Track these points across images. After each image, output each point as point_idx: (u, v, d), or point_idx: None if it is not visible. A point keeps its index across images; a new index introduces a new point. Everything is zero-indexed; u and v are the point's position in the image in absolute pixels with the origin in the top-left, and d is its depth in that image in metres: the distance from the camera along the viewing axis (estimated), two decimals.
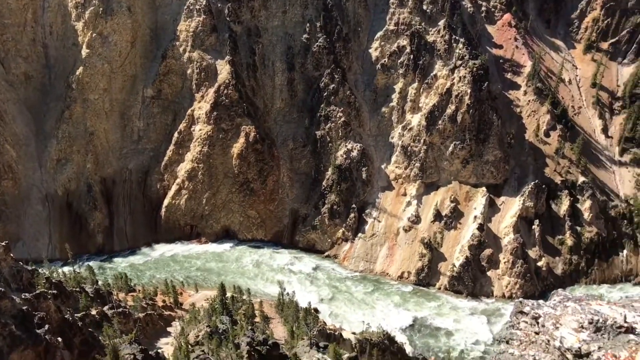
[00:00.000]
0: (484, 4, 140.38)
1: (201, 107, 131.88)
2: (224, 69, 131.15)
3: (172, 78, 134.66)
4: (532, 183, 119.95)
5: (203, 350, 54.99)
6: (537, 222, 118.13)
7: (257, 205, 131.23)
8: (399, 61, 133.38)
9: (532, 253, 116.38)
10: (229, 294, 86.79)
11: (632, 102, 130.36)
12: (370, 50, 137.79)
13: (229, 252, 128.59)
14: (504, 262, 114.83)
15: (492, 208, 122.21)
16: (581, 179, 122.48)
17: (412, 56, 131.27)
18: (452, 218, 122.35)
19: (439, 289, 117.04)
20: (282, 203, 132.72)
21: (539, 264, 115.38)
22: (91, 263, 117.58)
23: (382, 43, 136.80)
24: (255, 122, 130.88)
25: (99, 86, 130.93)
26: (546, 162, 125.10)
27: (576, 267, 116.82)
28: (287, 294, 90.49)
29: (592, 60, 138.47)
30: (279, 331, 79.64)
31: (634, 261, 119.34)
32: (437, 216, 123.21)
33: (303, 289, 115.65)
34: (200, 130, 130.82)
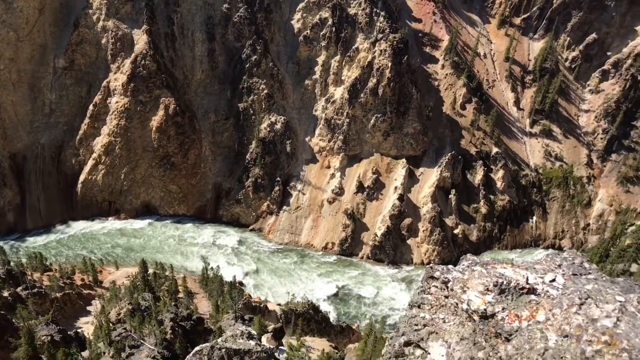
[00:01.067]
0: None
1: (117, 78, 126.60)
2: (140, 39, 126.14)
3: (85, 48, 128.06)
4: (449, 154, 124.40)
5: (125, 328, 53.88)
6: (453, 191, 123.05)
7: (178, 179, 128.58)
8: (322, 33, 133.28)
9: (449, 221, 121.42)
10: (150, 271, 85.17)
11: (542, 76, 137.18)
12: (292, 22, 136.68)
13: (150, 228, 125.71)
14: (423, 231, 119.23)
15: (411, 179, 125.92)
16: (495, 149, 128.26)
17: (334, 29, 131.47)
18: (374, 189, 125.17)
19: (362, 258, 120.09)
20: (204, 177, 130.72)
21: (456, 231, 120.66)
22: (1, 243, 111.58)
23: (304, 14, 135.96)
24: (175, 94, 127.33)
25: (5, 55, 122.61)
26: (462, 134, 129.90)
27: (490, 233, 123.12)
28: (212, 268, 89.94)
29: (505, 35, 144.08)
30: (203, 306, 79.24)
31: (542, 227, 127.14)
32: (360, 187, 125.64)
33: (228, 263, 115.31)
34: (117, 102, 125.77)
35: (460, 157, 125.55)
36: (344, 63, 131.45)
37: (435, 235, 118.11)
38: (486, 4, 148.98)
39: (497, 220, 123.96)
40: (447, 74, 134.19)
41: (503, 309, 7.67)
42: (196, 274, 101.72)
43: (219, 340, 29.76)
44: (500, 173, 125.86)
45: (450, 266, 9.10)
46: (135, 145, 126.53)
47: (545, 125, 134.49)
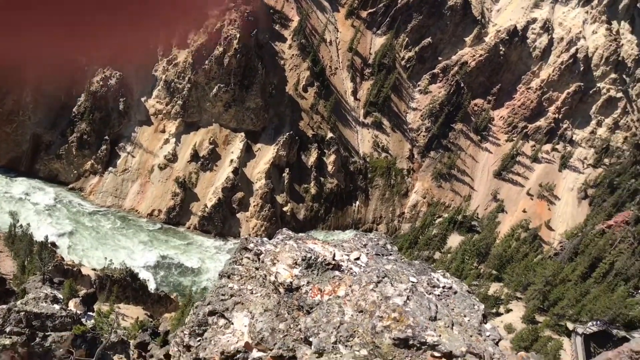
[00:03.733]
0: None
1: None
2: None
3: None
4: (287, 134, 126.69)
5: None
6: (287, 170, 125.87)
7: None
8: None
9: (280, 199, 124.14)
10: None
11: (379, 71, 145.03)
12: None
13: None
14: (254, 206, 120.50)
15: (248, 153, 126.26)
16: (329, 134, 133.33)
17: None
18: (210, 160, 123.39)
19: (189, 228, 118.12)
20: (22, 126, 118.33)
21: (285, 209, 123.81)
22: None
23: None
24: None
25: None
26: (301, 116, 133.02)
27: (316, 213, 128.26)
28: (21, 226, 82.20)
29: (351, 26, 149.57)
30: (7, 266, 72.31)
31: (363, 211, 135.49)
32: (195, 156, 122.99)
33: (41, 221, 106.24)
34: None
35: (297, 137, 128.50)
36: (190, 26, 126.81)
37: (265, 211, 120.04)
38: None
39: (324, 202, 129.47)
40: (293, 55, 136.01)
41: (308, 282, 7.93)
42: (2, 230, 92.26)
43: (19, 302, 27.34)
44: (332, 157, 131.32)
45: (265, 239, 9.20)
46: None
47: (377, 118, 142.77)
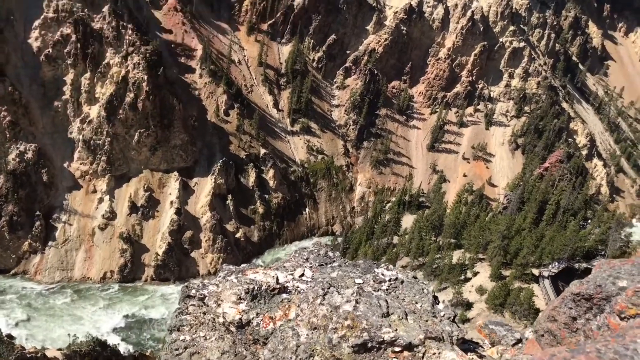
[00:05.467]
0: None
1: None
2: None
3: None
4: (220, 161, 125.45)
5: None
6: (230, 197, 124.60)
7: None
8: (66, 51, 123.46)
9: (230, 227, 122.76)
10: None
11: (294, 78, 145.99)
12: (30, 41, 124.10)
13: None
14: (205, 241, 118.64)
15: (186, 191, 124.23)
16: (262, 151, 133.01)
17: (79, 45, 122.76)
18: (149, 207, 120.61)
19: (146, 281, 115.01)
20: None
21: (237, 235, 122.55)
22: None
23: (43, 32, 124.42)
24: None
25: None
26: (230, 140, 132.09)
27: (270, 231, 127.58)
28: None
29: (256, 41, 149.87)
30: None
31: (315, 216, 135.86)
32: (133, 208, 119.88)
33: None
34: None
35: (231, 162, 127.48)
36: (95, 80, 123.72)
37: (218, 243, 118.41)
38: (233, 12, 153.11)
39: (274, 218, 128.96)
40: (206, 83, 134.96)
41: (257, 314, 7.87)
42: None
43: None
44: (271, 172, 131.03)
45: (206, 281, 9.06)
46: None
47: (304, 123, 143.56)
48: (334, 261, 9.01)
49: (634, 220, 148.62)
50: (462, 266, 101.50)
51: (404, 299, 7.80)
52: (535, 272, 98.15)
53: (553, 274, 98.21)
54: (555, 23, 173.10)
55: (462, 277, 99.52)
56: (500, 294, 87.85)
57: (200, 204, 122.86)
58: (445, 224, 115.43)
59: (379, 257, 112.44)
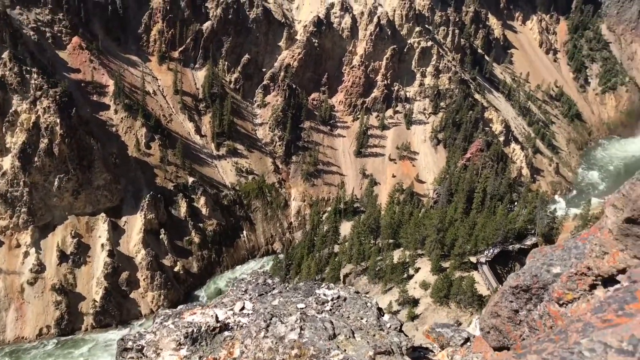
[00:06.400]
0: (47, 30, 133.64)
1: None
2: None
3: None
4: (148, 195, 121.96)
5: None
6: (163, 231, 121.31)
7: None
8: None
9: (167, 261, 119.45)
10: None
11: (213, 102, 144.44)
12: None
13: None
14: (144, 279, 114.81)
15: (116, 231, 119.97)
16: (190, 179, 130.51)
17: None
18: (79, 254, 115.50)
19: (86, 330, 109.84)
20: None
21: (176, 269, 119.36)
22: None
23: None
24: None
25: None
26: (155, 172, 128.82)
27: (209, 260, 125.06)
28: None
29: (168, 70, 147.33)
30: None
31: (253, 237, 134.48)
32: (63, 257, 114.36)
33: None
34: None
35: (159, 195, 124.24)
36: (4, 130, 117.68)
37: (157, 279, 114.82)
38: (141, 44, 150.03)
39: (212, 246, 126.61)
40: (122, 118, 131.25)
41: (200, 357, 7.51)
42: None
43: None
44: (202, 200, 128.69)
45: (142, 330, 8.59)
46: None
47: (229, 146, 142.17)
48: (273, 288, 8.78)
49: (556, 197, 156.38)
50: (404, 264, 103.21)
51: (349, 317, 7.67)
52: (473, 259, 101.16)
53: (490, 259, 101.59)
54: (457, 19, 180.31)
55: (405, 275, 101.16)
56: (443, 286, 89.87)
57: (132, 242, 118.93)
58: (382, 225, 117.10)
59: (323, 268, 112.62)
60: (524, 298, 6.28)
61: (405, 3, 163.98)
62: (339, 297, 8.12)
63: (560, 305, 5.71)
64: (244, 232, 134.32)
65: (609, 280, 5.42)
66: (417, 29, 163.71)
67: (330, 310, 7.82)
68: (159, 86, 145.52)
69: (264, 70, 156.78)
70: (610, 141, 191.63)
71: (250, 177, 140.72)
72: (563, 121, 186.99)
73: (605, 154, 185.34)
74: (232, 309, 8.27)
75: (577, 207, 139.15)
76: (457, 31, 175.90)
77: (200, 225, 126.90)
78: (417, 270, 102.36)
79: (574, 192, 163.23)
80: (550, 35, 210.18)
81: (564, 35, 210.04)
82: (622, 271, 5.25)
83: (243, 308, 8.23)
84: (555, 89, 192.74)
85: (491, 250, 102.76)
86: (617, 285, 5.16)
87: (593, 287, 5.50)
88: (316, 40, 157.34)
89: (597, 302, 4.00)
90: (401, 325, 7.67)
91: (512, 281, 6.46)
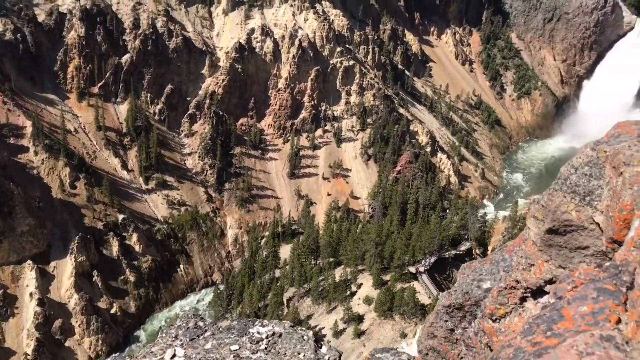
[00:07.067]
0: None
1: None
2: None
3: None
4: (77, 237, 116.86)
5: None
6: (95, 272, 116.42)
7: None
8: None
9: (102, 304, 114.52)
10: None
11: (138, 135, 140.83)
12: None
13: None
14: (79, 325, 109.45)
15: (46, 277, 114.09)
16: (120, 216, 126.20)
17: None
18: (5, 306, 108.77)
19: None
20: None
21: (113, 311, 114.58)
22: None
23: None
24: None
25: None
26: (83, 213, 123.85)
27: (147, 298, 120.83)
28: None
29: (89, 106, 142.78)
30: None
31: (191, 271, 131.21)
32: None
33: None
34: None
35: (89, 236, 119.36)
36: None
37: (93, 324, 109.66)
38: (59, 82, 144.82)
39: (148, 283, 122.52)
40: (43, 159, 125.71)
41: None
42: None
43: None
44: (135, 237, 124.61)
45: None
46: None
47: (158, 178, 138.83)
48: (205, 331, 8.36)
49: (484, 201, 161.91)
50: (346, 282, 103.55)
51: (285, 353, 7.39)
52: (412, 270, 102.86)
53: (428, 267, 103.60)
54: (376, 38, 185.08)
55: (348, 292, 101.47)
56: (386, 299, 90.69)
57: (64, 287, 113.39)
58: (321, 245, 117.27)
59: (265, 294, 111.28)
60: (458, 316, 6.22)
61: (324, 25, 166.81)
62: (273, 333, 7.82)
63: (494, 321, 5.68)
64: (181, 265, 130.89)
65: (538, 292, 5.45)
66: (339, 49, 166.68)
67: (266, 348, 7.51)
68: (80, 123, 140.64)
69: (188, 99, 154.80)
70: (529, 144, 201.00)
71: (182, 208, 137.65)
72: (484, 128, 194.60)
73: (526, 156, 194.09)
74: (162, 358, 7.80)
75: (505, 210, 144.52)
76: (376, 49, 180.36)
77: (135, 262, 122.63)
78: (359, 286, 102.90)
79: (501, 195, 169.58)
80: (465, 47, 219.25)
81: (478, 46, 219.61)
82: (550, 282, 5.28)
83: (174, 356, 7.77)
84: (474, 97, 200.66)
85: (429, 259, 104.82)
86: (545, 300, 5.18)
87: (523, 299, 5.51)
88: (239, 66, 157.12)
89: (526, 324, 3.95)
90: (340, 355, 7.46)
91: (444, 300, 6.41)
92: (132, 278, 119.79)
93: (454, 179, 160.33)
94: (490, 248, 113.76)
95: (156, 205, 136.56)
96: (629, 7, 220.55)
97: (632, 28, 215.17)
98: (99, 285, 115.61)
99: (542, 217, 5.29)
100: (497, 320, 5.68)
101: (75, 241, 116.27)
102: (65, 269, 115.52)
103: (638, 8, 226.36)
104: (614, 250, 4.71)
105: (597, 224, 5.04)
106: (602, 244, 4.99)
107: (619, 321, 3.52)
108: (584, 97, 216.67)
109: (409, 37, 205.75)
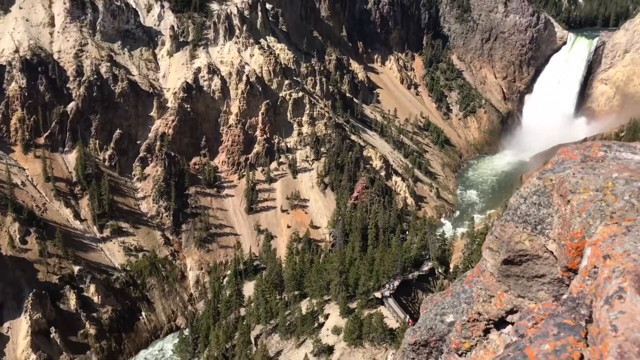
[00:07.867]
0: None
1: None
2: None
3: None
4: (31, 294, 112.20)
5: None
6: (53, 329, 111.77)
7: None
8: None
9: None
10: None
11: (89, 183, 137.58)
12: None
13: None
14: None
15: (1, 339, 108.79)
16: (76, 268, 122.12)
17: None
18: None
19: None
20: None
21: None
22: None
23: None
24: None
25: None
26: (36, 268, 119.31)
27: (109, 350, 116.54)
28: None
29: (36, 157, 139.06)
30: None
31: (154, 317, 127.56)
32: None
33: None
34: None
35: (44, 291, 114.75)
36: None
37: None
38: (1, 135, 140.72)
39: (110, 334, 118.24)
40: None
41: None
42: None
43: None
44: (92, 288, 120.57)
45: None
46: None
47: (113, 226, 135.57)
48: None
49: (442, 220, 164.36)
50: (313, 313, 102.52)
51: None
52: (378, 295, 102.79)
53: (393, 291, 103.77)
54: (322, 68, 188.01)
55: (316, 324, 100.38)
56: (355, 327, 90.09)
57: (20, 348, 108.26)
58: (285, 278, 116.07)
59: (232, 334, 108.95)
60: (425, 353, 6.24)
61: (270, 59, 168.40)
62: None
63: (460, 355, 5.72)
64: (143, 313, 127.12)
65: (500, 322, 5.53)
66: (287, 82, 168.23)
67: None
68: (28, 176, 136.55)
69: (138, 142, 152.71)
70: (479, 160, 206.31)
71: (140, 254, 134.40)
72: (435, 148, 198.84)
73: (477, 173, 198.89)
74: None
75: (462, 227, 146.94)
76: (324, 79, 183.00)
77: (94, 315, 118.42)
78: (326, 316, 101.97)
79: (457, 212, 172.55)
80: (409, 71, 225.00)
81: (421, 70, 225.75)
82: (511, 311, 5.38)
83: None
84: (422, 120, 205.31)
85: (393, 283, 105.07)
86: (507, 331, 5.25)
87: (487, 331, 5.58)
88: (188, 106, 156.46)
89: None
90: None
91: (409, 338, 6.42)
92: (92, 331, 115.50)
93: (410, 201, 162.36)
94: (452, 266, 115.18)
95: (112, 254, 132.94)
96: (560, 23, 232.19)
97: (564, 42, 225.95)
98: (58, 342, 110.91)
99: (497, 248, 5.40)
100: (463, 355, 5.72)
101: (30, 298, 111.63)
102: (20, 329, 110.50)
103: (568, 23, 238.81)
104: (569, 278, 4.84)
105: (551, 252, 5.17)
106: (557, 271, 5.12)
107: (581, 358, 3.59)
108: (526, 111, 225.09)
109: (355, 65, 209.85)
